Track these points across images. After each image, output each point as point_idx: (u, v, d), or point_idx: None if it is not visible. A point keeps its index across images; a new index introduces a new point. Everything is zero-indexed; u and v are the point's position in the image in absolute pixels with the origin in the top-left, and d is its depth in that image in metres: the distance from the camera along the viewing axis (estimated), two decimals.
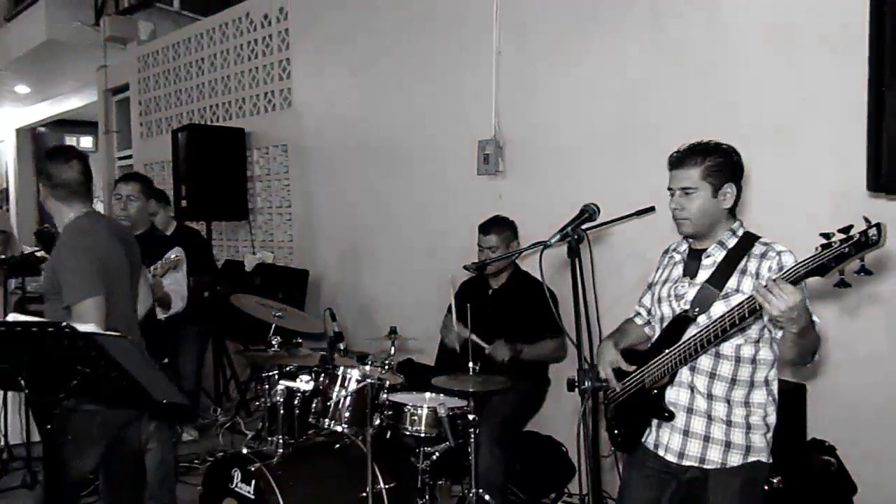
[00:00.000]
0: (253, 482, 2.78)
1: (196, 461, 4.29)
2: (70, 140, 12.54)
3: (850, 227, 1.68)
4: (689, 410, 2.12)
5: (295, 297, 5.07)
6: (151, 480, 3.26)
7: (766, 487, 2.58)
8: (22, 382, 1.87)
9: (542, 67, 3.90)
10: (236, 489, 2.85)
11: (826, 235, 1.70)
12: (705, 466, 2.10)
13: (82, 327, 1.95)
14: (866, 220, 1.65)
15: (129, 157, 7.76)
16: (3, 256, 5.25)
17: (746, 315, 1.87)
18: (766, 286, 1.75)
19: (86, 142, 12.63)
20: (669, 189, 2.15)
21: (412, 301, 4.61)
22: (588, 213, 2.13)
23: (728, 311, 1.92)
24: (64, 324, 1.66)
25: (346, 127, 5.17)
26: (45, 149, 2.75)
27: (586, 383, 1.96)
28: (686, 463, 2.13)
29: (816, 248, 1.72)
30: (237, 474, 2.86)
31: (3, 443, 4.23)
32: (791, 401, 2.82)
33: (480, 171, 4.11)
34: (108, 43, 7.58)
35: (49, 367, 1.82)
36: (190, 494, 3.58)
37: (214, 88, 6.46)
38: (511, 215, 3.63)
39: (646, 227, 3.21)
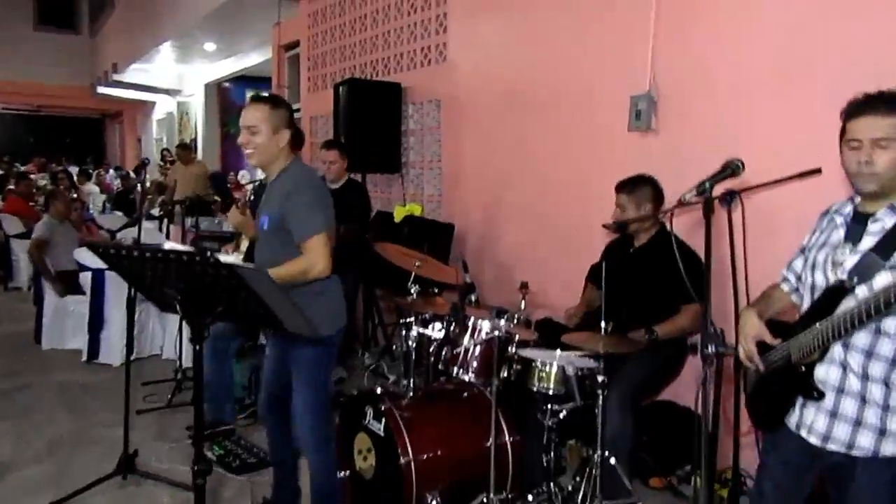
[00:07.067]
0: (383, 420, 2.91)
1: (341, 398, 4.54)
2: (249, 94, 13.51)
3: None
4: (840, 390, 1.91)
5: (439, 250, 5.16)
6: None
7: None
8: (178, 307, 2.08)
9: (701, 24, 3.64)
10: (369, 426, 3.00)
11: None
12: (853, 453, 1.89)
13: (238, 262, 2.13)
14: None
15: (298, 110, 8.20)
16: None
17: None
18: None
19: None
20: (853, 140, 1.86)
21: (553, 258, 4.55)
22: (731, 168, 1.96)
23: (893, 284, 1.68)
24: (209, 254, 1.80)
25: (497, 82, 5.13)
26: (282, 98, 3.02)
27: (710, 348, 1.82)
28: (831, 447, 1.93)
29: None
30: (370, 412, 3.01)
31: (179, 365, 4.76)
32: None
33: (632, 127, 3.93)
34: (283, 1, 8.02)
35: (199, 294, 1.99)
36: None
37: (375, 44, 6.64)
38: (661, 173, 3.44)
39: (809, 190, 2.92)
